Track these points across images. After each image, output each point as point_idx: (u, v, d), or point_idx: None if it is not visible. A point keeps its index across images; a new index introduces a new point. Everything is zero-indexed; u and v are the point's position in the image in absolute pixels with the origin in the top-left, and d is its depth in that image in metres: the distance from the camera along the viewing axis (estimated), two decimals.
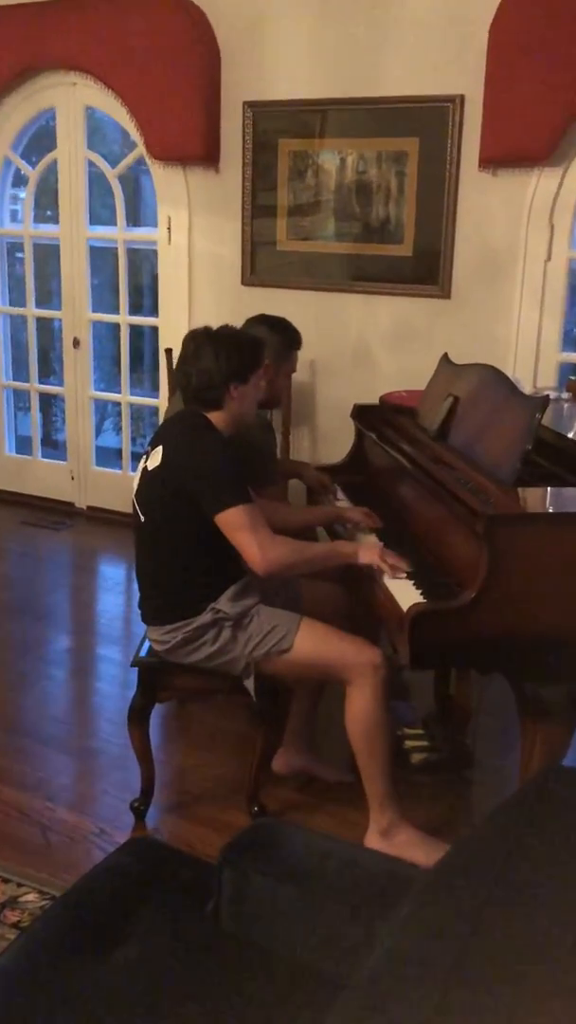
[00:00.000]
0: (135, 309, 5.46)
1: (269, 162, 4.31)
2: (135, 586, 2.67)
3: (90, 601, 4.40)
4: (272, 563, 2.33)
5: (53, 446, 6.03)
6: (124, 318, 5.05)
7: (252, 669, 2.46)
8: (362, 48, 4.01)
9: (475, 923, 0.99)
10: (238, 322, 2.82)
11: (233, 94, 4.31)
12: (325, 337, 4.22)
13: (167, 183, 4.56)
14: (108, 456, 5.59)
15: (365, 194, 4.15)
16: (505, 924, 0.99)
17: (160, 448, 2.45)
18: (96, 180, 4.98)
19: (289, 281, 4.37)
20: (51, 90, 4.84)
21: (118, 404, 5.40)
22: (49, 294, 5.53)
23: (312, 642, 2.42)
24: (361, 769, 2.46)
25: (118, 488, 4.95)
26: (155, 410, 5.19)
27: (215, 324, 2.56)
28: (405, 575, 2.39)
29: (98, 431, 5.62)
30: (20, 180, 5.22)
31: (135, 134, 4.53)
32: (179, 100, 4.28)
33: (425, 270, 4.07)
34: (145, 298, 5.89)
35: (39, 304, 5.37)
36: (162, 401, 4.80)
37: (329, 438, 4.34)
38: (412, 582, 2.36)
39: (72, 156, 4.89)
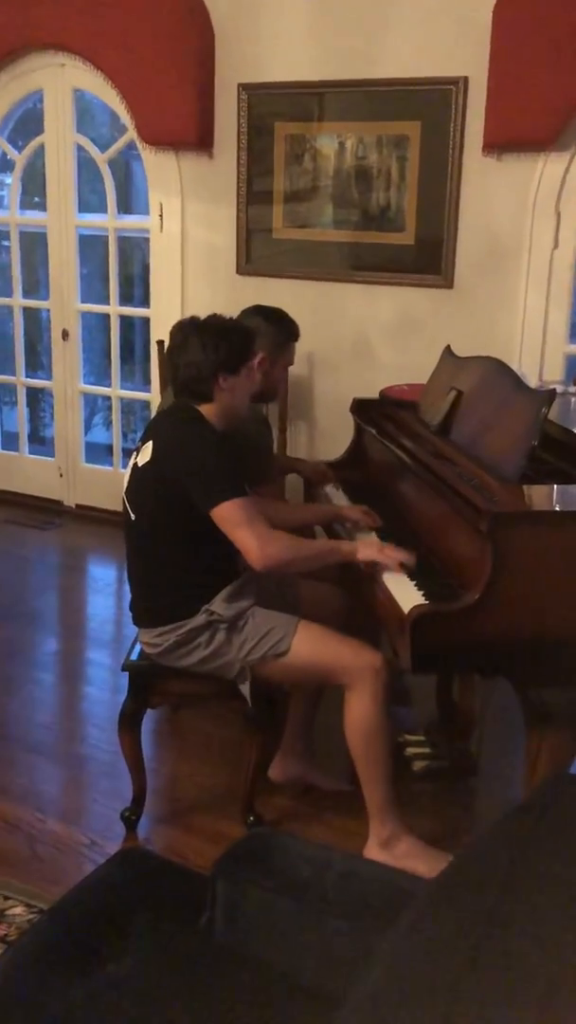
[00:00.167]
0: (126, 299, 5.45)
1: (265, 147, 4.30)
2: (126, 587, 2.67)
3: (79, 603, 4.40)
4: (271, 558, 2.33)
5: (40, 442, 6.03)
6: (114, 309, 5.05)
7: (247, 673, 2.46)
8: (362, 28, 4.00)
9: (478, 938, 0.99)
10: (233, 313, 2.82)
11: (228, 76, 4.30)
12: (323, 329, 4.22)
13: (159, 168, 4.56)
14: (98, 452, 5.58)
15: (365, 180, 4.14)
16: (509, 939, 0.99)
17: (150, 443, 2.45)
18: (85, 165, 4.97)
19: (286, 270, 4.37)
20: (38, 71, 4.83)
21: (108, 398, 5.40)
22: (36, 284, 5.53)
23: (310, 645, 2.42)
24: (361, 777, 2.46)
25: (108, 485, 4.94)
26: (146, 404, 5.19)
27: (207, 314, 2.56)
28: (407, 572, 2.38)
29: (87, 426, 5.62)
30: (6, 165, 5.21)
31: (125, 118, 4.53)
32: (171, 82, 4.27)
33: (427, 259, 4.07)
34: (136, 288, 5.89)
35: (26, 294, 5.36)
36: (154, 395, 4.80)
37: (327, 433, 4.34)
38: (414, 583, 2.36)
39: (60, 140, 4.88)
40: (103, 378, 5.47)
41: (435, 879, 1.23)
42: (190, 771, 2.96)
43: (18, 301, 5.29)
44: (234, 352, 2.46)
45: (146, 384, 5.19)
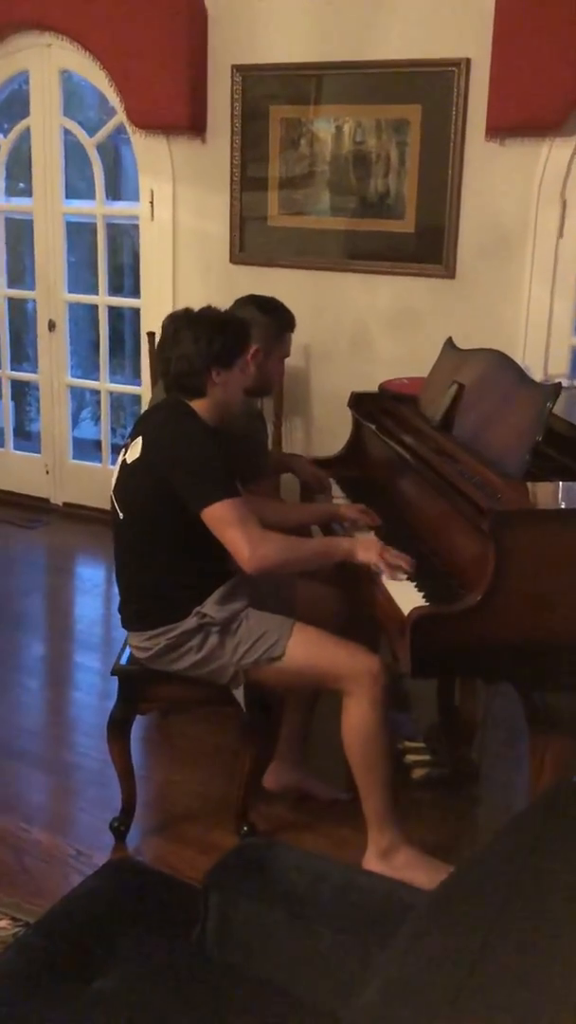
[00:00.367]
0: (115, 289, 5.44)
1: (259, 131, 4.30)
2: (114, 589, 2.67)
3: (66, 605, 4.40)
4: (263, 561, 2.33)
5: (26, 437, 6.02)
6: (103, 299, 5.05)
7: (241, 678, 2.46)
8: (361, 7, 4.00)
9: (479, 952, 0.99)
10: (226, 303, 2.82)
11: (221, 57, 4.30)
12: (320, 319, 4.22)
13: (149, 153, 4.55)
14: (86, 448, 5.58)
15: (363, 165, 4.14)
16: (511, 953, 0.99)
17: (140, 439, 2.45)
18: (72, 150, 4.97)
19: (281, 259, 4.36)
20: (23, 52, 4.82)
21: (97, 392, 5.40)
22: (22, 273, 5.52)
23: (305, 649, 2.42)
24: (358, 785, 2.46)
25: (96, 483, 4.94)
26: (136, 399, 5.19)
27: (201, 305, 2.56)
28: (406, 576, 2.39)
29: (75, 421, 5.62)
30: None
31: (115, 100, 4.53)
32: (162, 63, 4.27)
33: (428, 248, 4.07)
34: (126, 278, 5.88)
35: (11, 284, 5.35)
36: (144, 389, 4.80)
37: (324, 429, 4.34)
38: (414, 584, 2.36)
39: (46, 124, 4.88)
40: (91, 371, 5.46)
41: (435, 891, 1.24)
42: (181, 779, 2.96)
43: (3, 291, 5.29)
44: (228, 345, 2.46)
45: (136, 378, 5.19)
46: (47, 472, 5.30)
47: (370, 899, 1.55)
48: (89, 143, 4.83)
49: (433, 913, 1.15)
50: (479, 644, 2.13)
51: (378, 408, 3.26)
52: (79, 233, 5.28)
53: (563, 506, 2.34)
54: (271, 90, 4.25)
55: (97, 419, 5.69)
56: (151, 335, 4.31)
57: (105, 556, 4.17)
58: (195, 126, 4.37)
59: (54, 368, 5.18)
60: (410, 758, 2.91)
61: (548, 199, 3.84)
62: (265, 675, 2.45)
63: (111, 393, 5.27)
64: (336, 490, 3.14)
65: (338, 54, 4.07)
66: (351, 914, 1.52)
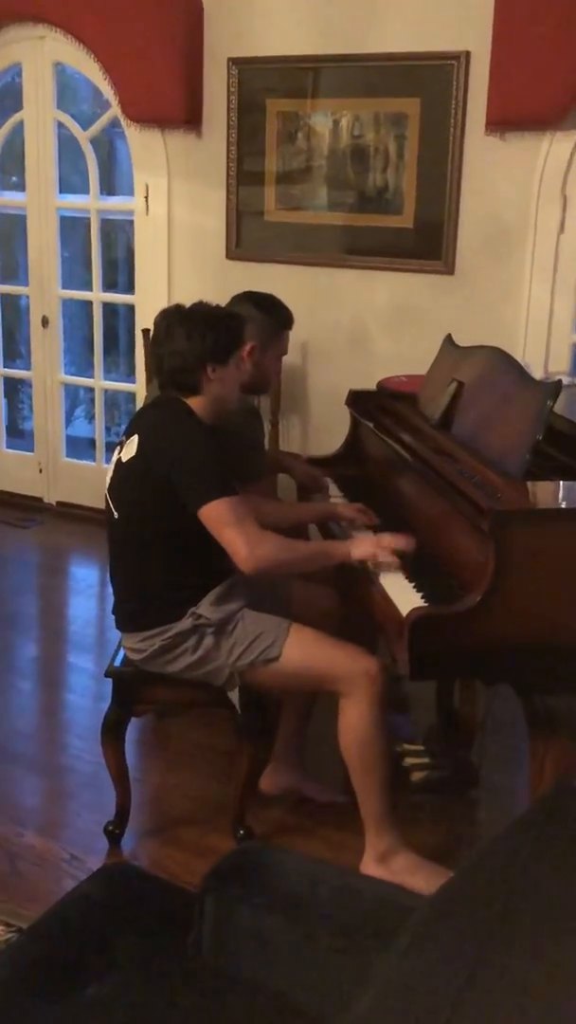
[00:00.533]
0: (109, 285, 5.44)
1: (256, 124, 4.30)
2: (109, 589, 2.67)
3: (60, 605, 4.40)
4: (261, 561, 2.34)
5: (19, 435, 6.01)
6: (97, 295, 5.04)
7: (237, 680, 2.46)
8: None
9: (478, 958, 0.99)
10: (222, 299, 2.82)
11: (217, 49, 4.30)
12: (317, 316, 4.22)
13: (144, 147, 4.55)
14: (80, 446, 5.57)
15: (361, 160, 4.14)
16: (511, 958, 0.99)
17: (135, 437, 2.45)
18: (66, 143, 4.96)
19: (278, 255, 4.36)
20: (16, 44, 4.82)
21: (91, 390, 5.39)
22: (15, 268, 5.52)
23: (302, 650, 2.42)
24: (356, 789, 2.46)
25: (90, 481, 4.94)
26: (131, 396, 5.18)
27: (195, 301, 2.56)
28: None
29: (69, 419, 5.61)
30: None
31: (109, 93, 4.52)
32: (157, 56, 4.26)
33: (427, 244, 4.08)
34: (120, 273, 5.88)
35: (4, 279, 5.35)
36: (139, 386, 4.80)
37: (322, 427, 4.34)
38: (412, 584, 2.37)
39: (40, 117, 4.87)
40: (85, 368, 5.46)
41: (434, 895, 1.24)
42: (177, 783, 2.96)
43: None
44: (222, 341, 2.46)
45: (130, 375, 5.19)
46: (40, 471, 5.30)
47: (368, 904, 1.55)
48: (83, 137, 4.83)
49: (431, 918, 1.15)
50: (478, 645, 2.13)
51: (376, 406, 3.26)
52: (73, 228, 5.28)
53: (564, 506, 2.34)
54: (268, 83, 4.25)
55: (91, 417, 5.69)
56: (146, 332, 4.31)
57: (99, 556, 4.18)
58: (191, 120, 4.37)
59: (47, 365, 5.17)
60: (409, 761, 2.91)
61: (549, 194, 3.84)
62: (261, 677, 2.46)
63: (105, 391, 5.26)
64: (334, 489, 3.14)
65: (336, 47, 4.07)
66: (348, 919, 1.52)
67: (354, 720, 2.40)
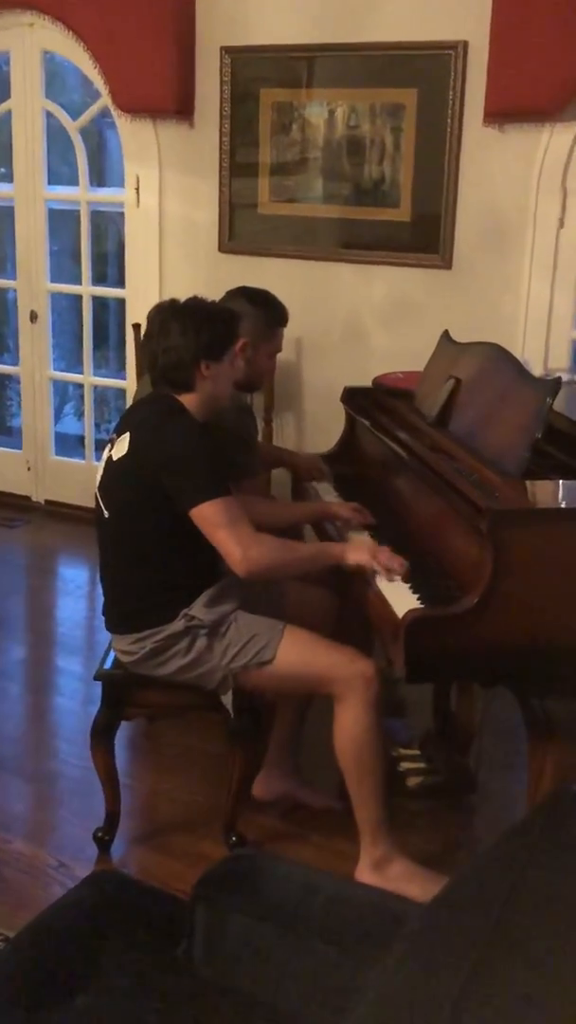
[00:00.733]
0: (99, 279, 5.44)
1: (249, 115, 4.30)
2: (99, 590, 2.67)
3: (48, 606, 4.39)
4: (254, 563, 2.34)
5: (7, 433, 6.02)
6: (87, 289, 5.04)
7: (230, 683, 2.46)
8: None
9: (474, 967, 0.99)
10: (214, 293, 2.82)
11: (209, 38, 4.29)
12: (312, 312, 4.22)
13: (135, 138, 4.55)
14: (69, 444, 5.57)
15: (357, 151, 4.15)
16: (508, 967, 1.00)
17: (127, 435, 2.44)
18: (55, 134, 4.96)
19: (272, 248, 4.36)
20: (4, 32, 4.81)
21: (80, 386, 5.39)
22: (2, 261, 5.52)
23: (297, 652, 2.42)
24: (351, 794, 2.46)
25: (80, 480, 4.93)
26: (121, 393, 5.18)
27: (188, 296, 2.56)
28: (400, 578, 2.39)
29: (58, 416, 5.61)
30: None
31: (99, 82, 4.52)
32: (149, 44, 4.26)
33: (424, 237, 4.08)
34: (110, 267, 5.87)
35: None
36: (129, 383, 4.79)
37: (317, 425, 4.35)
38: (408, 585, 2.37)
39: (28, 107, 4.86)
40: (74, 364, 5.46)
41: (430, 903, 1.24)
42: (168, 788, 2.96)
43: None
44: (217, 337, 2.46)
45: (121, 371, 5.18)
46: (28, 468, 5.29)
47: (363, 912, 1.55)
48: (72, 127, 4.82)
49: (427, 926, 1.15)
50: (476, 648, 2.13)
51: (372, 403, 3.27)
52: (62, 220, 5.27)
53: (563, 505, 2.34)
54: (262, 73, 4.25)
55: (80, 414, 5.68)
56: (136, 327, 4.31)
57: (89, 556, 4.17)
58: (183, 110, 4.37)
59: (36, 361, 5.17)
60: (405, 766, 2.91)
61: (548, 187, 3.85)
62: (255, 680, 2.46)
63: (95, 387, 5.26)
64: (329, 487, 3.14)
65: (331, 36, 4.07)
66: (343, 927, 1.52)
67: (349, 724, 2.40)
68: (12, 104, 4.90)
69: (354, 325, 4.30)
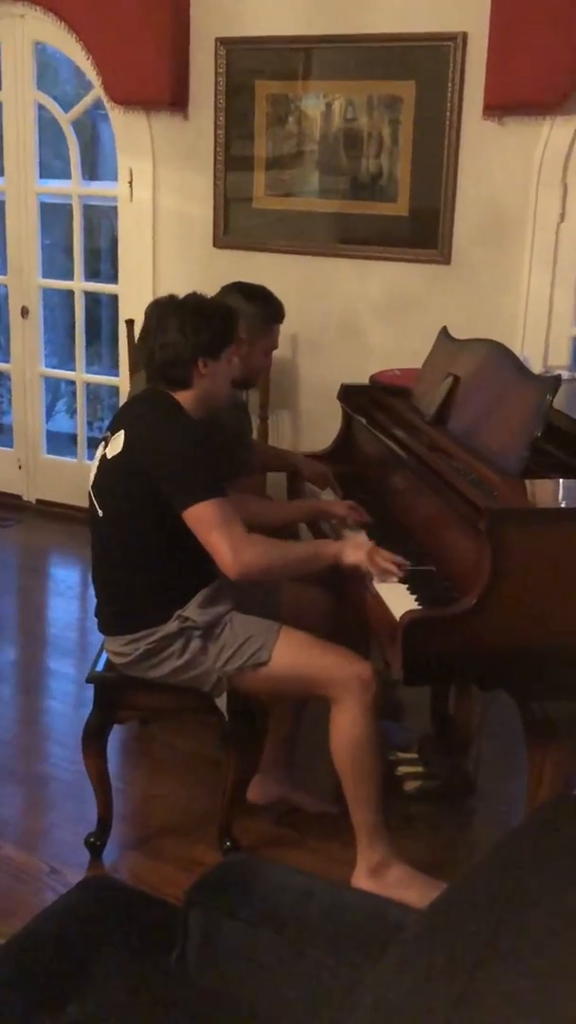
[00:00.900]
0: (92, 274, 5.44)
1: (245, 107, 4.30)
2: (91, 591, 2.67)
3: (40, 607, 4.39)
4: (246, 566, 2.34)
5: None
6: (79, 284, 5.03)
7: (224, 685, 2.46)
8: None
9: (471, 974, 0.99)
10: (209, 289, 2.82)
11: (204, 29, 4.29)
12: (308, 308, 4.22)
13: (128, 130, 4.54)
14: (61, 442, 5.56)
15: (354, 145, 4.15)
16: (506, 975, 1.00)
17: (121, 433, 2.44)
18: (47, 126, 4.95)
19: (267, 243, 4.36)
20: None
21: (72, 383, 5.38)
22: None
23: (293, 654, 2.42)
24: (348, 798, 2.46)
25: (72, 479, 4.93)
26: (114, 390, 5.18)
27: (183, 291, 2.56)
28: (397, 579, 2.39)
29: (49, 414, 5.60)
30: None
31: (92, 74, 4.51)
32: (142, 35, 4.26)
33: (422, 232, 4.08)
34: (103, 262, 5.87)
35: None
36: (122, 380, 4.79)
37: (313, 423, 4.35)
38: (406, 586, 2.37)
39: (19, 98, 4.86)
40: (67, 361, 5.45)
41: (427, 909, 1.24)
42: (161, 792, 2.96)
43: None
44: (216, 335, 2.46)
45: (114, 368, 5.18)
46: (20, 467, 5.29)
47: (359, 918, 1.55)
48: (64, 119, 4.82)
49: (425, 932, 1.16)
50: (475, 649, 2.13)
51: (369, 401, 3.27)
52: (54, 214, 5.27)
53: (563, 505, 2.35)
54: (257, 64, 4.24)
55: (72, 411, 5.68)
56: (130, 323, 4.31)
57: (81, 556, 4.17)
58: (177, 102, 4.37)
59: (27, 357, 5.16)
60: (402, 769, 2.92)
61: (548, 181, 3.85)
62: (250, 682, 2.46)
63: (87, 384, 5.25)
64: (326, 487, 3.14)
65: (328, 27, 4.07)
66: (339, 934, 1.52)
67: (346, 727, 2.40)
68: (3, 96, 4.90)
69: (351, 321, 4.30)
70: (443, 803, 2.89)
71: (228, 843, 2.65)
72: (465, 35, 3.85)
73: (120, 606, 2.52)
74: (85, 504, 2.59)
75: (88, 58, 4.45)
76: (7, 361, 5.29)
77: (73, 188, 4.92)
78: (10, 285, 5.13)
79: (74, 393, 5.37)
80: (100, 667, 2.61)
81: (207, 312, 2.48)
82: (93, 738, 2.61)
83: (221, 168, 4.39)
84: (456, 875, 2.39)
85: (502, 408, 2.48)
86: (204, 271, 4.37)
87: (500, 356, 2.62)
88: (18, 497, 5.30)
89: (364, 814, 2.45)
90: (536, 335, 3.96)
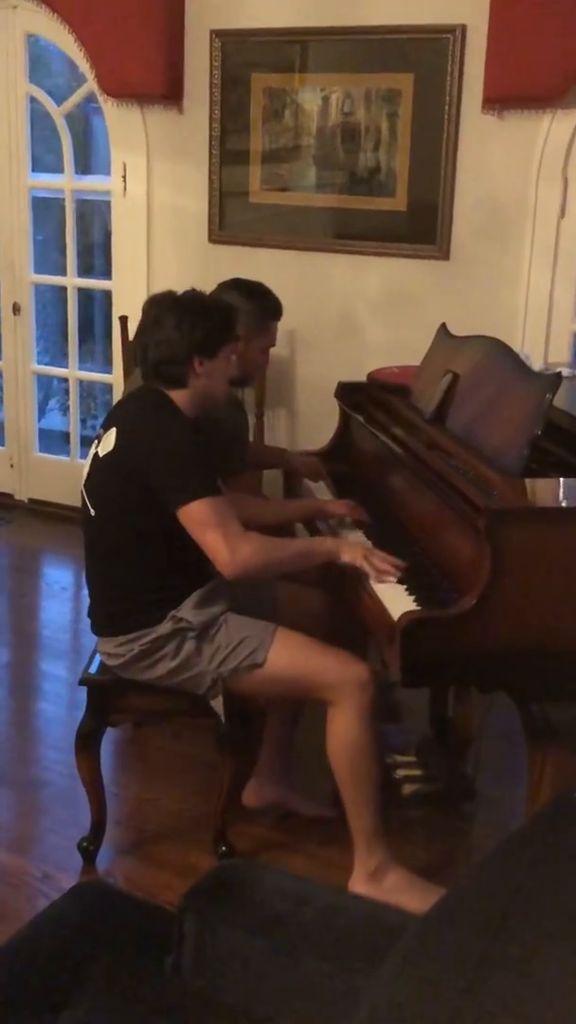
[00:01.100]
0: (85, 270, 5.43)
1: (240, 101, 4.30)
2: (84, 591, 2.67)
3: (32, 608, 4.39)
4: (242, 565, 2.34)
5: None
6: (72, 280, 5.03)
7: (219, 687, 2.46)
8: None
9: (471, 980, 0.99)
10: (204, 285, 2.81)
11: (199, 21, 4.29)
12: (305, 304, 4.22)
13: (122, 124, 4.54)
14: (53, 440, 5.56)
15: (352, 139, 4.15)
16: (507, 982, 1.00)
17: (113, 431, 2.44)
18: (39, 120, 4.95)
19: (263, 239, 4.36)
20: None
21: (65, 380, 5.38)
22: None
23: (289, 656, 2.42)
24: (345, 802, 2.46)
25: (65, 477, 4.93)
26: (108, 388, 5.17)
27: (178, 288, 2.56)
28: (394, 579, 2.39)
29: (42, 411, 5.60)
30: None
31: (84, 66, 4.51)
32: (136, 27, 4.25)
33: (420, 227, 4.08)
34: (96, 258, 5.87)
35: None
36: (115, 377, 4.79)
37: (309, 421, 4.35)
38: (404, 587, 2.37)
39: (11, 91, 4.86)
40: (59, 358, 5.45)
41: (426, 915, 1.24)
42: (155, 796, 2.95)
43: None
44: (213, 333, 2.46)
45: (107, 365, 5.18)
46: (11, 466, 5.29)
47: (357, 924, 1.55)
48: (57, 112, 4.81)
49: (424, 938, 1.16)
50: (474, 651, 2.13)
51: (367, 399, 3.26)
52: (46, 209, 5.26)
53: (563, 504, 2.34)
54: (253, 57, 4.24)
55: (65, 409, 5.67)
56: (123, 319, 4.31)
57: (74, 556, 4.17)
58: (171, 95, 4.36)
59: (19, 354, 5.16)
60: (400, 773, 2.92)
61: (549, 176, 3.85)
62: (245, 684, 2.46)
63: (80, 381, 5.25)
64: (322, 486, 3.14)
65: (325, 19, 4.07)
66: (336, 940, 1.52)
67: (343, 730, 2.41)
68: None
69: (348, 318, 4.30)
70: (442, 807, 2.90)
71: (223, 848, 2.65)
72: (464, 27, 3.85)
73: (113, 607, 2.52)
74: (78, 503, 2.59)
75: (81, 50, 4.44)
76: None
77: (66, 182, 4.91)
78: (1, 281, 5.12)
79: (67, 391, 5.37)
80: (93, 669, 2.60)
81: (205, 310, 2.48)
82: (86, 741, 2.61)
83: (216, 162, 4.39)
84: (455, 880, 2.39)
85: (502, 406, 2.48)
86: (199, 267, 4.37)
87: (500, 353, 2.62)
88: (10, 496, 5.30)
89: (361, 818, 2.45)
90: (536, 332, 3.96)
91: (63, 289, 5.13)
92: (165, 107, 4.42)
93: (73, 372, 5.16)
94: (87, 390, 5.77)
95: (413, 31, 3.93)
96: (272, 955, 1.52)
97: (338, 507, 2.80)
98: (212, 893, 1.62)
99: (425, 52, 3.93)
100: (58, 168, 4.96)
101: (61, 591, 4.52)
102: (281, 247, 4.33)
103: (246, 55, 4.25)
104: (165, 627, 2.44)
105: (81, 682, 2.62)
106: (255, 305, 2.96)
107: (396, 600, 2.29)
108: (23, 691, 3.64)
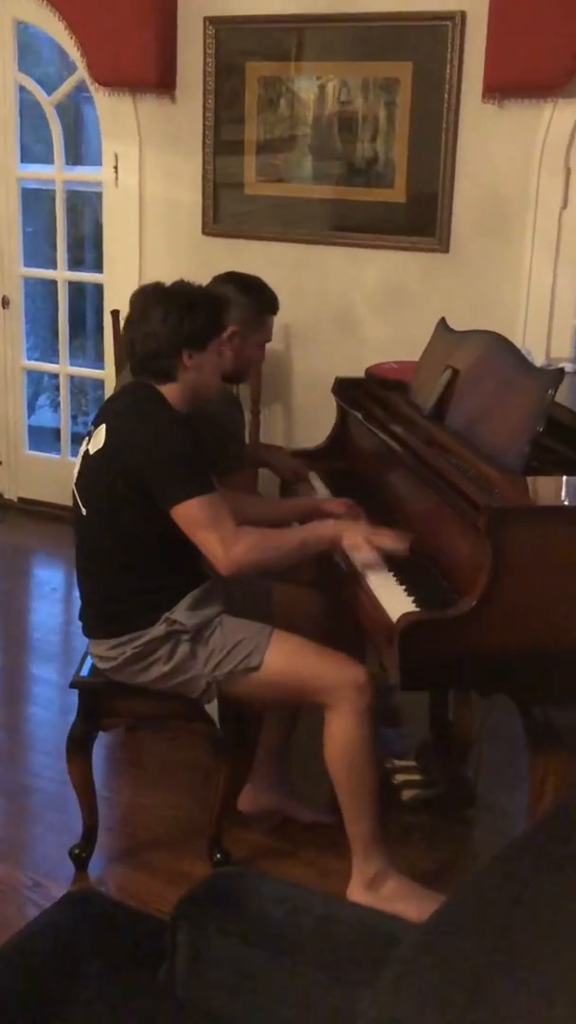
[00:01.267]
0: (76, 263, 5.43)
1: (235, 89, 4.29)
2: (75, 592, 2.66)
3: (22, 610, 4.39)
4: (239, 561, 2.34)
5: None
6: (62, 274, 5.03)
7: (214, 691, 2.46)
8: None
9: (472, 990, 0.99)
10: (197, 278, 2.81)
11: (192, 8, 4.29)
12: (301, 298, 4.22)
13: (114, 114, 4.54)
14: (43, 438, 5.56)
15: (349, 128, 4.15)
16: (507, 992, 1.00)
17: (103, 427, 2.44)
18: (28, 109, 4.95)
19: (259, 231, 4.36)
20: None
21: (55, 376, 5.38)
22: None
23: (285, 658, 2.42)
24: (343, 808, 2.47)
25: (55, 476, 4.93)
26: (99, 383, 5.17)
27: (170, 281, 2.55)
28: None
29: (31, 408, 5.59)
30: None
31: (75, 55, 4.51)
32: (128, 14, 4.25)
33: (419, 219, 4.08)
34: (87, 250, 5.86)
35: None
36: (107, 373, 4.79)
37: (306, 417, 4.35)
38: (403, 587, 2.37)
39: (0, 80, 4.85)
40: (49, 353, 5.44)
41: (425, 923, 1.24)
42: (148, 802, 2.95)
43: None
44: (201, 325, 2.46)
45: (99, 360, 5.17)
46: (0, 464, 5.28)
47: (354, 933, 1.55)
48: (47, 102, 4.81)
49: (423, 947, 1.15)
50: (474, 653, 2.14)
51: (365, 394, 3.27)
52: (36, 201, 5.26)
53: (566, 503, 2.35)
54: (247, 45, 4.24)
55: (56, 406, 5.67)
56: (115, 313, 4.31)
57: (65, 557, 4.17)
58: (164, 84, 4.36)
59: (8, 350, 5.15)
60: (399, 778, 2.91)
61: (551, 166, 3.85)
62: (241, 687, 2.45)
63: (71, 377, 5.25)
64: (319, 484, 3.14)
65: (321, 5, 4.07)
66: (334, 949, 1.52)
67: (340, 734, 2.41)
68: None
69: (346, 312, 4.30)
70: (442, 812, 2.90)
71: (218, 855, 2.65)
72: (464, 14, 3.85)
73: (105, 608, 2.51)
74: (69, 502, 2.59)
75: (71, 38, 4.44)
76: None
77: (56, 173, 4.91)
78: None
79: (57, 387, 5.36)
80: (85, 672, 2.60)
81: (193, 301, 2.48)
82: (78, 746, 2.60)
83: (210, 153, 4.39)
84: (455, 888, 2.39)
85: (503, 402, 2.48)
86: (192, 260, 4.37)
87: (501, 348, 2.62)
88: None
89: (360, 824, 2.45)
90: (538, 326, 3.96)
91: (53, 283, 5.13)
92: (157, 96, 4.42)
93: (64, 368, 5.16)
94: (78, 386, 5.76)
95: (411, 18, 3.93)
96: (268, 965, 1.52)
97: (335, 506, 2.80)
98: (207, 901, 1.62)
99: (424, 39, 3.93)
100: (48, 159, 4.96)
101: (52, 592, 4.52)
102: (277, 239, 4.33)
103: (240, 43, 4.25)
104: (159, 629, 2.44)
105: (72, 685, 2.61)
106: (251, 299, 2.96)
107: (394, 601, 2.30)
108: (13, 695, 3.64)
